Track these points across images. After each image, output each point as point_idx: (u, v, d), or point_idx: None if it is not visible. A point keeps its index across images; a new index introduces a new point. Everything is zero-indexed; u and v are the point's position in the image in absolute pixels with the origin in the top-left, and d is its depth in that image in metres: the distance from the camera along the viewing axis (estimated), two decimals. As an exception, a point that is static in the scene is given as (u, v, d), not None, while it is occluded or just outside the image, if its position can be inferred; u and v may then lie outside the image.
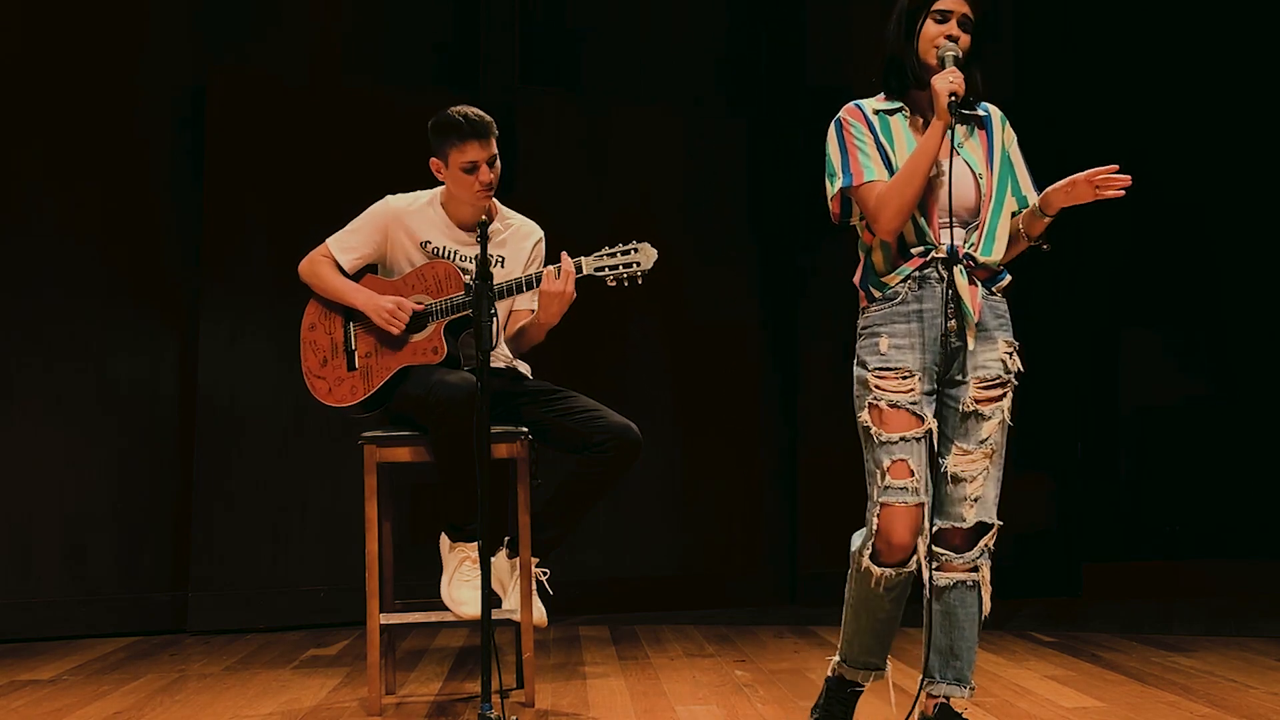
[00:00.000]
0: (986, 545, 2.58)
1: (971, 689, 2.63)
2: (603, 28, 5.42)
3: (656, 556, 5.24)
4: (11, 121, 4.58)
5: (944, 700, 2.62)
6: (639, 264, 3.17)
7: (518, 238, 3.47)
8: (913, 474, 2.51)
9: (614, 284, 3.19)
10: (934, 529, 2.58)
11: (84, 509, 4.58)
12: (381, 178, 3.68)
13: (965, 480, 2.56)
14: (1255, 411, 5.67)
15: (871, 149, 2.60)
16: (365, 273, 3.42)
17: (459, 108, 3.32)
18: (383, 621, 3.21)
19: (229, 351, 4.72)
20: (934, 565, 2.58)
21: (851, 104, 2.67)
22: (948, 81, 2.50)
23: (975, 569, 2.59)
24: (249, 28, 4.93)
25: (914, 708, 2.64)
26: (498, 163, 3.33)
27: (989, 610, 2.61)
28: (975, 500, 2.55)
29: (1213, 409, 5.67)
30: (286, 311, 3.93)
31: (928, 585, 2.59)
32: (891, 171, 2.57)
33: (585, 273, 3.18)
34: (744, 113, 5.50)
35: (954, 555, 2.58)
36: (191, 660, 4.05)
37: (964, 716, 2.61)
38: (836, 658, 2.73)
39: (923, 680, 2.62)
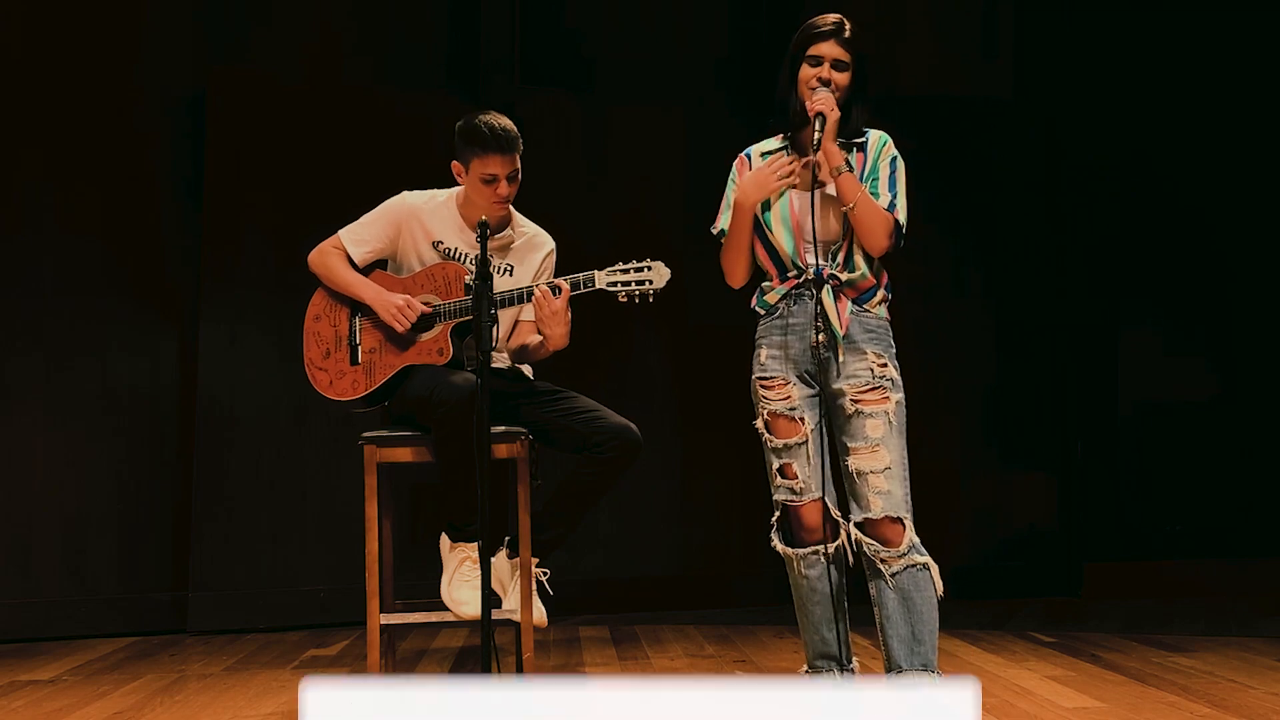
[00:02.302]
0: (912, 540, 2.69)
1: (938, 675, 2.69)
2: (603, 28, 5.42)
3: (656, 556, 5.23)
4: (12, 121, 4.58)
5: None
6: (651, 282, 3.17)
7: (529, 248, 3.44)
8: (797, 476, 2.80)
9: (625, 300, 3.18)
10: (855, 521, 2.73)
11: (84, 509, 4.59)
12: (382, 177, 3.67)
13: (867, 474, 2.71)
14: (1256, 410, 5.67)
15: None
16: (374, 268, 3.39)
17: (488, 116, 3.24)
18: (383, 621, 3.20)
19: (229, 351, 4.72)
20: (879, 559, 2.69)
21: (743, 151, 2.95)
22: (782, 174, 2.80)
23: (911, 560, 2.68)
24: (249, 28, 4.93)
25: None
26: (519, 176, 3.28)
27: (941, 592, 2.71)
28: (879, 493, 2.69)
29: (1213, 408, 5.66)
30: (286, 311, 3.93)
31: (870, 581, 2.72)
32: (765, 211, 2.84)
33: (598, 286, 3.15)
34: (744, 113, 5.49)
35: (883, 549, 2.69)
36: (191, 660, 4.05)
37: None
38: (805, 667, 2.89)
39: (889, 672, 2.71)
